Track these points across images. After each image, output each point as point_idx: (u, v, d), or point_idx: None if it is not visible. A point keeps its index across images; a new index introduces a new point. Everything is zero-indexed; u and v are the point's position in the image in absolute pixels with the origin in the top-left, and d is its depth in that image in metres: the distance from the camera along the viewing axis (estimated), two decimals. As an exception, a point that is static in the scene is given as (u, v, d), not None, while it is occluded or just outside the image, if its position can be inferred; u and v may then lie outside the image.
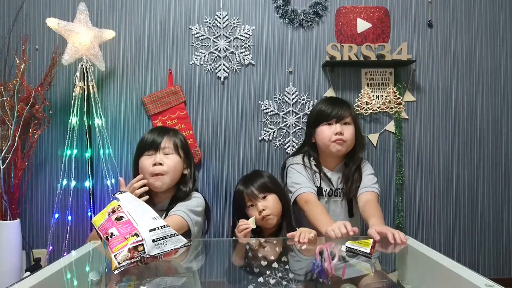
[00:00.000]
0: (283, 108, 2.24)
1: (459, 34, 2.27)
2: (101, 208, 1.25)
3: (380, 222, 1.56)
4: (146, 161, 1.64)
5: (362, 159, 1.90)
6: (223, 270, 1.29)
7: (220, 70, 2.22)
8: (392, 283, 1.11)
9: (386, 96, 2.24)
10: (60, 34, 2.00)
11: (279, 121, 2.23)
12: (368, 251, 1.19)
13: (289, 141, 2.23)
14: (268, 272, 1.11)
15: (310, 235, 1.43)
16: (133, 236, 1.07)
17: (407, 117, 2.26)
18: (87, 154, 2.07)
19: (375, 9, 2.25)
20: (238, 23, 2.22)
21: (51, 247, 2.10)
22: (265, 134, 2.23)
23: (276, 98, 2.23)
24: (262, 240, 1.59)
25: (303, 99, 2.23)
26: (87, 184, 2.06)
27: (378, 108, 2.24)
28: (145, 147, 1.66)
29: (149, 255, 1.06)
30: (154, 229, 1.10)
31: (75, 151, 2.06)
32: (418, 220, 2.26)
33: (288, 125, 2.23)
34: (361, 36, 2.24)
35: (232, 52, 2.22)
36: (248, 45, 2.22)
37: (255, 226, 1.63)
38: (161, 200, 1.69)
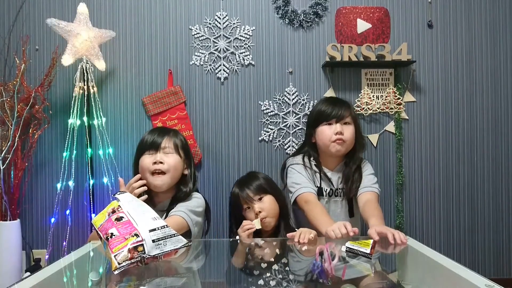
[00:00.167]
0: (283, 109, 2.23)
1: (459, 34, 2.27)
2: (101, 208, 1.26)
3: (380, 222, 1.56)
4: (147, 159, 1.64)
5: (362, 159, 1.90)
6: (223, 270, 1.29)
7: (220, 70, 2.22)
8: (392, 283, 1.11)
9: (386, 97, 2.24)
10: (60, 35, 2.00)
11: (279, 122, 2.23)
12: (368, 251, 1.19)
13: (289, 141, 2.23)
14: (268, 273, 1.11)
15: (310, 235, 1.43)
16: (133, 236, 1.07)
17: (407, 118, 2.26)
18: (87, 154, 2.07)
19: (375, 9, 2.25)
20: (238, 24, 2.22)
21: (51, 248, 2.10)
22: (265, 134, 2.23)
23: (276, 98, 2.23)
24: (262, 241, 1.59)
25: (303, 100, 2.23)
26: (87, 184, 2.06)
27: (378, 108, 2.24)
28: (146, 147, 1.66)
29: (149, 255, 1.06)
30: (154, 230, 1.10)
31: (75, 151, 2.06)
32: (418, 220, 2.26)
33: (288, 126, 2.23)
34: (361, 36, 2.24)
35: (232, 53, 2.22)
36: (248, 46, 2.22)
37: (260, 227, 1.63)
38: (161, 200, 1.69)
